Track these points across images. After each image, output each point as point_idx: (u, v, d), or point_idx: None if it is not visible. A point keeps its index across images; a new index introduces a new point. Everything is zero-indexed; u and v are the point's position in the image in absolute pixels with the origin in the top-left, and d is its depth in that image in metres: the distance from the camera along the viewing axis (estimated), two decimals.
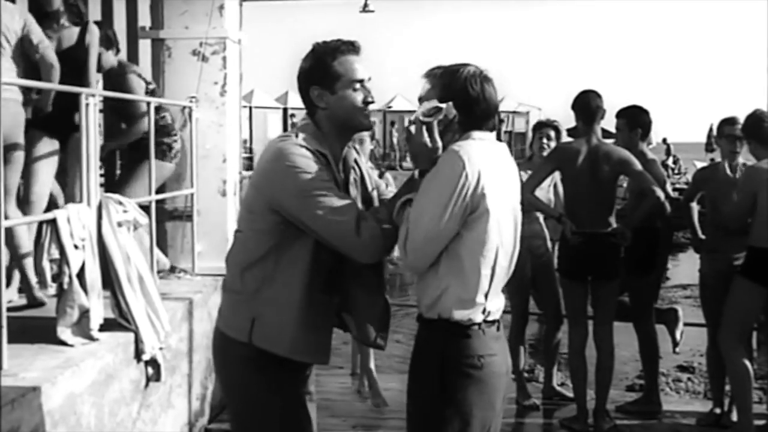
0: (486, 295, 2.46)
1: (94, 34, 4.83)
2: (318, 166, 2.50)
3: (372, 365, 5.29)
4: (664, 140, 30.38)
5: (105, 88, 5.22)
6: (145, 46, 5.95)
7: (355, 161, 2.75)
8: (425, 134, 2.43)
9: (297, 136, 2.57)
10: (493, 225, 2.41)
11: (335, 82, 2.57)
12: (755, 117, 4.77)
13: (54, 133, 4.68)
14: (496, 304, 2.52)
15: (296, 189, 2.47)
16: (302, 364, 2.71)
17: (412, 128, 2.47)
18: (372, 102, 2.63)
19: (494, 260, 2.45)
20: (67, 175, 4.80)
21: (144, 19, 6.08)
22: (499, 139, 2.56)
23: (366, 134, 5.33)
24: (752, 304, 4.65)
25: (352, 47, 2.61)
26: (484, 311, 2.46)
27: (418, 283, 2.52)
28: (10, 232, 4.24)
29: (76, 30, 4.84)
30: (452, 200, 2.36)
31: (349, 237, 2.45)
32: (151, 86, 5.33)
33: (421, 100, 2.52)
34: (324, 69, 2.58)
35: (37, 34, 4.33)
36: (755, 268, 4.60)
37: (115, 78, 5.17)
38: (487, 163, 2.42)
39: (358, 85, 2.59)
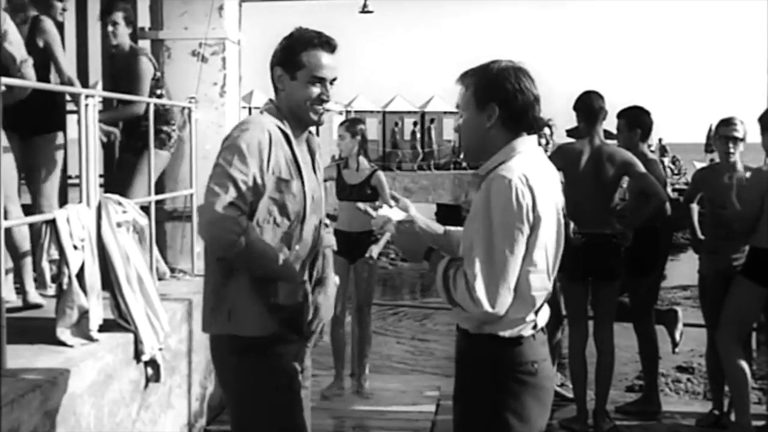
0: (537, 312, 2.45)
1: (48, 32, 4.55)
2: (257, 151, 2.58)
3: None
4: (659, 140, 30.42)
5: (112, 66, 5.15)
6: (144, 47, 5.95)
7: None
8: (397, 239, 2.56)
9: (262, 113, 2.71)
10: (544, 245, 2.40)
11: (297, 70, 2.66)
12: None
13: (16, 132, 4.44)
14: (545, 315, 2.52)
15: (221, 155, 2.62)
16: (288, 346, 2.74)
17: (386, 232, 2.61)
18: (326, 101, 2.69)
19: (547, 279, 2.44)
20: (35, 176, 4.61)
21: (143, 20, 6.08)
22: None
23: (346, 132, 5.42)
24: (752, 305, 4.65)
25: (327, 44, 2.68)
26: (534, 326, 2.46)
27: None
28: (9, 233, 4.24)
29: (25, 28, 4.53)
30: (516, 226, 2.32)
31: (208, 209, 2.54)
32: (158, 73, 5.29)
33: (458, 106, 2.52)
34: (292, 54, 2.66)
35: (18, 49, 4.15)
36: (756, 268, 4.59)
37: (125, 59, 5.15)
38: (535, 182, 2.37)
39: (317, 82, 2.66)
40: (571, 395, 5.28)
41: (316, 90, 2.66)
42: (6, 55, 4.10)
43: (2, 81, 3.52)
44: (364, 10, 22.42)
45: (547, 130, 5.54)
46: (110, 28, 5.13)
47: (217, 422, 5.10)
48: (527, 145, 2.45)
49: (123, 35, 5.17)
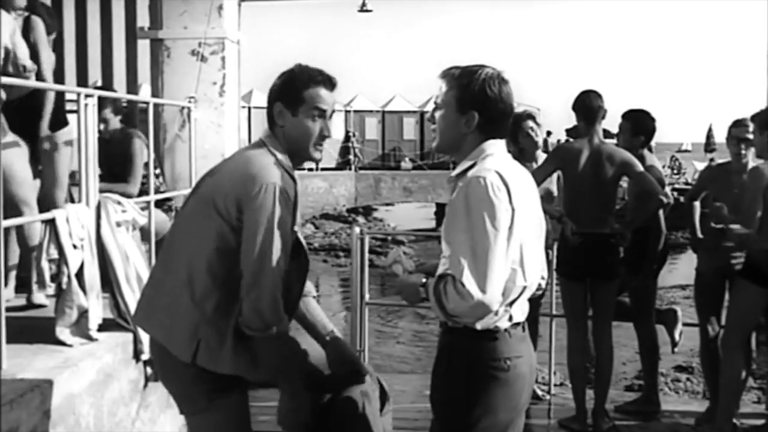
0: (511, 304, 2.46)
1: (37, 29, 4.55)
2: (289, 205, 2.57)
3: None
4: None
5: (107, 151, 4.93)
6: (143, 46, 5.96)
7: None
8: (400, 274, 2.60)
9: (273, 154, 2.64)
10: (519, 239, 2.41)
11: (299, 106, 2.66)
12: None
13: (24, 136, 4.48)
14: (522, 309, 2.53)
15: (257, 215, 2.53)
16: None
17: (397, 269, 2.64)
18: (327, 137, 2.70)
19: (520, 273, 2.44)
20: (56, 172, 4.65)
21: (143, 20, 6.08)
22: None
23: None
24: (755, 308, 4.62)
25: (328, 81, 2.70)
26: (510, 318, 2.48)
27: None
28: (21, 231, 4.26)
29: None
30: (495, 220, 2.35)
31: (259, 289, 2.52)
32: (152, 155, 5.14)
33: (436, 104, 2.56)
34: (293, 90, 2.67)
35: (23, 55, 4.23)
36: (756, 270, 4.59)
37: (118, 141, 5.13)
38: (509, 179, 2.42)
39: (317, 114, 2.66)
40: (569, 395, 5.28)
41: (317, 126, 2.67)
42: (13, 59, 4.19)
43: (2, 81, 3.52)
44: (363, 9, 22.46)
45: (532, 123, 5.44)
46: (101, 126, 4.93)
47: None
48: (496, 148, 2.52)
49: (114, 124, 5.18)
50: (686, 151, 32.96)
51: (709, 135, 32.26)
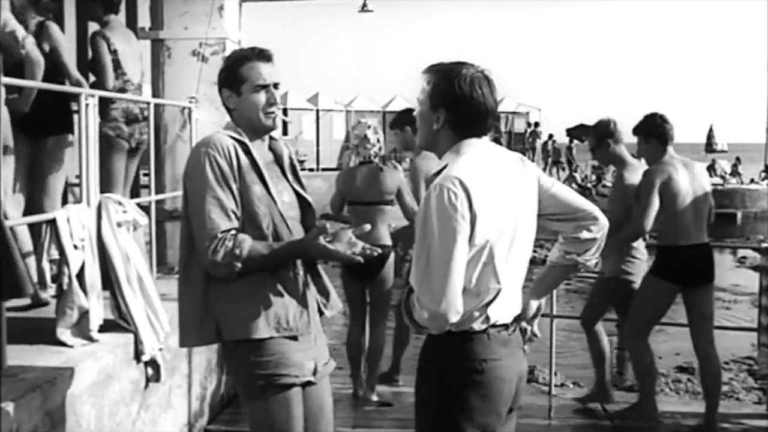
0: (488, 305, 2.43)
1: (54, 36, 4.56)
2: (227, 164, 2.72)
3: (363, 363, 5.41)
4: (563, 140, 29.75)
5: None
6: (144, 47, 5.95)
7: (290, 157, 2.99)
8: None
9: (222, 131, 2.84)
10: (487, 241, 2.36)
11: (241, 86, 2.79)
12: (659, 117, 4.91)
13: (29, 134, 4.49)
14: (506, 311, 2.49)
15: (198, 185, 2.72)
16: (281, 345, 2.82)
17: None
18: (274, 103, 2.81)
19: (495, 278, 2.41)
20: (44, 178, 4.61)
21: (144, 20, 6.08)
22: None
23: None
24: (661, 301, 4.92)
25: (261, 55, 2.82)
26: (487, 320, 2.44)
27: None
28: (12, 232, 4.23)
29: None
30: (451, 227, 2.31)
31: (202, 247, 2.70)
32: (113, 47, 4.98)
33: (418, 99, 2.54)
34: (232, 73, 2.82)
35: (20, 30, 4.19)
36: (664, 266, 4.82)
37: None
38: (475, 183, 2.35)
39: (259, 88, 2.79)
40: (570, 395, 5.30)
41: (262, 97, 2.79)
42: (9, 38, 4.13)
43: (2, 80, 3.51)
44: (364, 9, 22.46)
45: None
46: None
47: (217, 422, 5.10)
48: (474, 147, 2.46)
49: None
50: (723, 151, 32.18)
51: (710, 135, 32.14)
